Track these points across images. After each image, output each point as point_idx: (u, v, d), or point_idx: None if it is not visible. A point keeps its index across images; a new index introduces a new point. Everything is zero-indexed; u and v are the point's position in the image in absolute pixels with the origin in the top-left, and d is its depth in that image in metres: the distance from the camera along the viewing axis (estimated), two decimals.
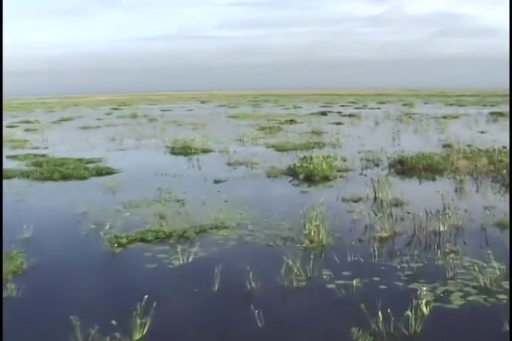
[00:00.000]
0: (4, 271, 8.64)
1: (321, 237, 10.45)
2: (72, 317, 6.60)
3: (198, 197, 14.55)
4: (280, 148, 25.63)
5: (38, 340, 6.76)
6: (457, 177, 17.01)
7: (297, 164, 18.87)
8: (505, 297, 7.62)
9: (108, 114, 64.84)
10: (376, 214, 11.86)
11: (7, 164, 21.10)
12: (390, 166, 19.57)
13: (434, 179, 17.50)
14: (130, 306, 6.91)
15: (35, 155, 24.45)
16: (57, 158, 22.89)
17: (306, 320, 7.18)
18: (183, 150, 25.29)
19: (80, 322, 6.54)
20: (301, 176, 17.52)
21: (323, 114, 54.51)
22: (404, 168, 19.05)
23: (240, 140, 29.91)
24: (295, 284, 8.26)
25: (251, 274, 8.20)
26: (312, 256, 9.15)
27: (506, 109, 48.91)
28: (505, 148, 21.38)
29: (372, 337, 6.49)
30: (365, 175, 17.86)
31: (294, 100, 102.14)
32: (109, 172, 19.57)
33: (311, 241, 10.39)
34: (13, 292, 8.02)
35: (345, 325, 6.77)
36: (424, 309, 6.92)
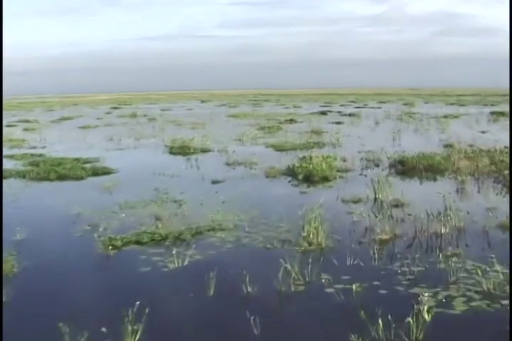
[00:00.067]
0: None
1: (319, 239, 10.23)
2: (61, 324, 6.37)
3: (195, 198, 14.33)
4: (279, 148, 25.41)
5: None
6: (458, 177, 16.78)
7: (296, 164, 18.64)
8: (509, 302, 7.39)
9: (108, 113, 64.63)
10: (376, 216, 11.64)
11: (4, 164, 20.85)
12: (391, 166, 19.35)
13: (435, 179, 17.27)
14: (122, 312, 6.67)
15: (32, 155, 24.24)
16: (54, 158, 22.68)
17: (304, 327, 6.95)
18: (182, 150, 25.08)
19: (69, 329, 6.32)
20: (301, 176, 17.30)
21: (323, 113, 54.29)
22: (404, 168, 18.83)
23: (240, 139, 29.69)
24: (293, 289, 8.04)
25: (247, 278, 7.97)
26: (311, 259, 8.91)
27: (507, 108, 48.65)
28: (506, 148, 21.15)
29: None
30: (365, 176, 17.64)
31: (294, 99, 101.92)
32: (106, 172, 19.36)
33: (310, 244, 10.16)
34: (2, 296, 7.79)
35: (345, 331, 6.55)
36: (426, 315, 6.69)
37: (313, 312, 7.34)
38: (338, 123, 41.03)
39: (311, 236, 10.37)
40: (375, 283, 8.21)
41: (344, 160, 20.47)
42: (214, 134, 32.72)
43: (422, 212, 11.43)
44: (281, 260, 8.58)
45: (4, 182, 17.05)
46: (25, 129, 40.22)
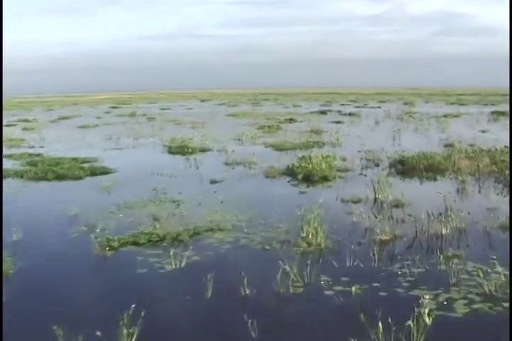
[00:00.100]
0: None
1: (319, 240, 10.11)
2: (54, 327, 6.25)
3: (193, 198, 14.22)
4: (279, 148, 25.28)
5: None
6: (459, 177, 16.66)
7: (296, 164, 18.53)
8: (509, 303, 7.27)
9: (107, 112, 64.49)
10: (376, 216, 11.53)
11: (3, 164, 20.72)
12: (391, 166, 19.23)
13: (435, 179, 17.15)
14: (117, 315, 6.56)
15: (30, 155, 24.11)
16: (52, 158, 22.56)
17: (303, 330, 6.84)
18: (181, 150, 24.96)
19: (63, 332, 6.21)
20: (300, 176, 17.18)
21: (323, 112, 54.16)
22: (404, 168, 18.71)
23: (239, 139, 29.57)
24: (291, 290, 7.91)
25: (246, 280, 7.86)
26: (310, 260, 8.81)
27: (507, 108, 48.52)
28: (507, 147, 21.02)
29: None
30: (365, 176, 17.52)
31: (294, 99, 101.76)
32: (105, 172, 19.24)
33: (309, 245, 10.05)
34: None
35: (344, 335, 6.44)
36: (427, 318, 6.57)
37: (312, 315, 7.22)
38: (338, 122, 40.91)
39: (310, 236, 10.27)
40: (375, 284, 8.09)
41: (344, 160, 20.35)
42: (213, 134, 32.60)
43: (423, 212, 11.31)
44: (279, 261, 8.46)
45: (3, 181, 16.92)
46: (25, 129, 40.09)
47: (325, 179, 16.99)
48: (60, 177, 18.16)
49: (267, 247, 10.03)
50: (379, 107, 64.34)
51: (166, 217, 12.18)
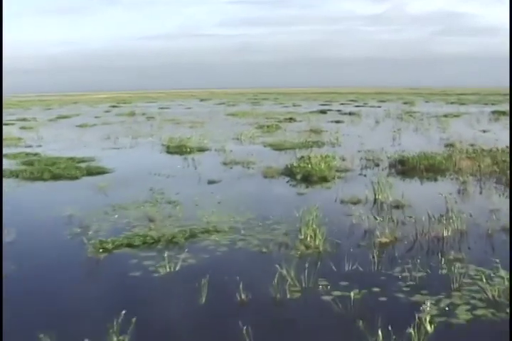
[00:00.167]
0: None
1: (317, 243, 9.88)
2: (41, 334, 6.02)
3: (190, 199, 13.98)
4: (278, 147, 25.05)
5: None
6: (460, 178, 16.42)
7: (295, 164, 18.29)
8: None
9: (106, 111, 64.27)
10: (376, 218, 11.28)
11: None
12: (391, 166, 18.99)
13: (436, 180, 16.92)
14: (107, 321, 6.33)
15: (27, 154, 23.89)
16: (49, 157, 22.33)
17: (300, 337, 6.60)
18: (179, 149, 24.73)
19: (51, 339, 5.97)
20: (299, 176, 16.94)
21: (323, 112, 53.94)
22: (405, 168, 18.47)
23: (238, 138, 29.36)
24: (288, 296, 7.67)
25: (241, 284, 7.62)
26: (308, 263, 8.58)
27: (507, 107, 48.27)
28: (508, 147, 20.79)
29: None
30: (365, 176, 17.29)
31: (294, 98, 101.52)
32: (101, 171, 19.01)
33: (307, 247, 9.81)
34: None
35: None
36: (428, 325, 6.34)
37: (310, 322, 6.97)
38: (338, 122, 40.67)
39: (308, 239, 10.04)
40: (375, 289, 7.85)
41: (343, 160, 20.11)
42: (212, 133, 32.38)
43: (423, 214, 11.08)
44: (277, 265, 8.23)
45: None
46: (22, 128, 39.85)
47: (324, 179, 16.75)
48: (56, 177, 17.93)
49: (264, 250, 9.79)
50: (379, 107, 64.12)
51: (161, 218, 11.96)
